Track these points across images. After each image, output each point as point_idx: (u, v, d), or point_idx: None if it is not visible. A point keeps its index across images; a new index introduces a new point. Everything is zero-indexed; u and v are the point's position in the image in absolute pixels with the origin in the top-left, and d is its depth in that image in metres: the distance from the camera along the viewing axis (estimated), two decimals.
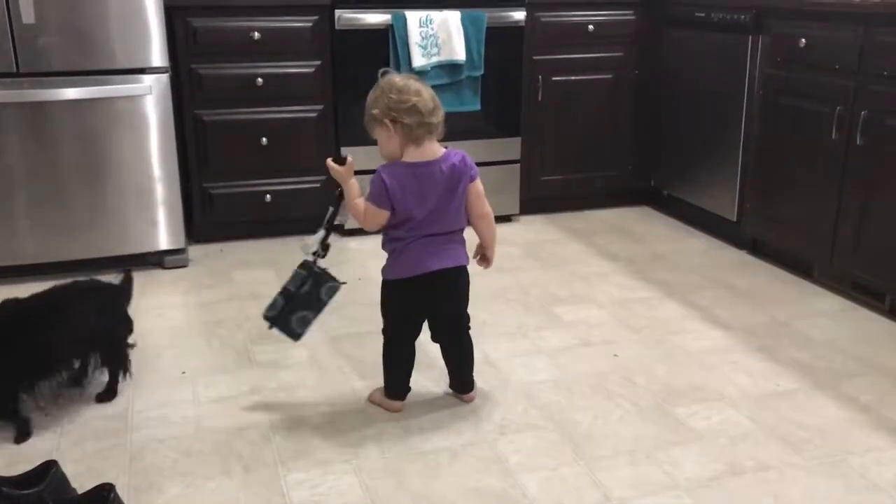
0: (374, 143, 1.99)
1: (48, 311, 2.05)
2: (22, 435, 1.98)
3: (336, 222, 2.09)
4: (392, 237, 1.98)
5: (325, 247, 2.06)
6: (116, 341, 2.18)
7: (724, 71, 3.28)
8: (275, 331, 2.08)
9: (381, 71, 1.98)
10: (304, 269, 2.05)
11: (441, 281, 1.98)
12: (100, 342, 2.14)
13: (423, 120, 1.90)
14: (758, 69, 3.10)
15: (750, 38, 3.11)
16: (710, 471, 1.84)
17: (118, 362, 2.18)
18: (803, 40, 2.83)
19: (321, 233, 2.06)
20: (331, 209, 2.05)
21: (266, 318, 2.08)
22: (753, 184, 3.19)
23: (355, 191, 1.99)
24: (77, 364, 2.17)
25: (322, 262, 2.07)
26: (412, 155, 1.93)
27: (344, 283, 2.07)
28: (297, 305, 2.05)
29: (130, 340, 2.22)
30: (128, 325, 2.21)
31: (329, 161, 2.01)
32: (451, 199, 1.95)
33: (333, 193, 2.06)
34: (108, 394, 2.17)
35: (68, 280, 2.18)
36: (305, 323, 2.08)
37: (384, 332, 2.09)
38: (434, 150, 1.95)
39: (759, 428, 2.02)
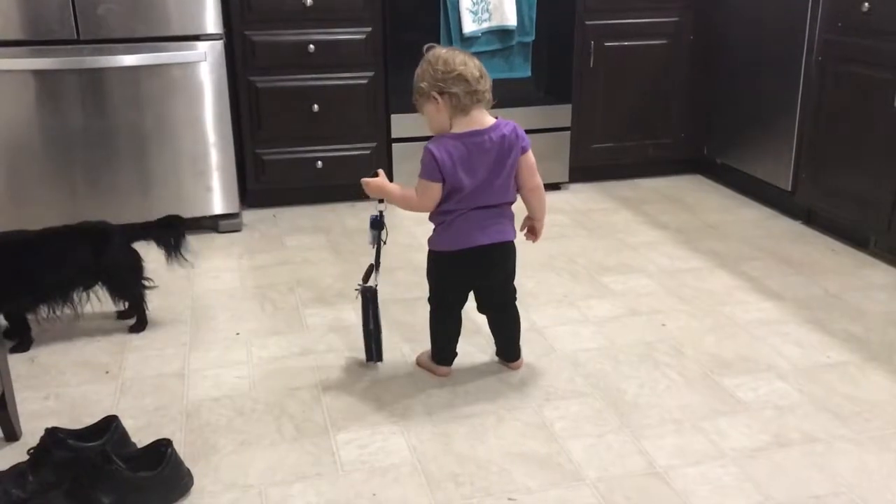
0: None
1: (42, 243, 2.26)
2: (20, 346, 2.29)
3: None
4: (441, 210, 1.96)
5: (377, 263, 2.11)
6: (116, 278, 2.34)
7: (781, 37, 3.20)
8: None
9: (426, 46, 1.97)
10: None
11: (487, 256, 1.99)
12: (93, 280, 2.31)
13: (470, 88, 1.89)
14: (817, 35, 3.02)
15: (810, 2, 3.02)
16: (756, 442, 1.83)
17: (126, 296, 2.39)
18: (866, 5, 2.74)
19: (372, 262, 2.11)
20: (372, 234, 2.07)
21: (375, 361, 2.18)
22: (810, 153, 3.12)
23: (397, 189, 2.01)
24: (76, 296, 2.31)
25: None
26: (461, 125, 1.92)
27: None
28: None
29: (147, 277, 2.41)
30: (124, 263, 2.35)
31: (364, 179, 2.02)
32: (500, 171, 1.94)
33: (376, 219, 2.05)
34: (138, 325, 2.41)
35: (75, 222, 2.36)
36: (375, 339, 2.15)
37: (430, 300, 2.11)
38: (483, 119, 1.93)
39: (808, 400, 2.00)
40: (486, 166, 1.92)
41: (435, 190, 1.93)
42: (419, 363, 2.18)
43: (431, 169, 1.91)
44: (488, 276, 2.05)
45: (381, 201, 2.03)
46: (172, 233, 2.41)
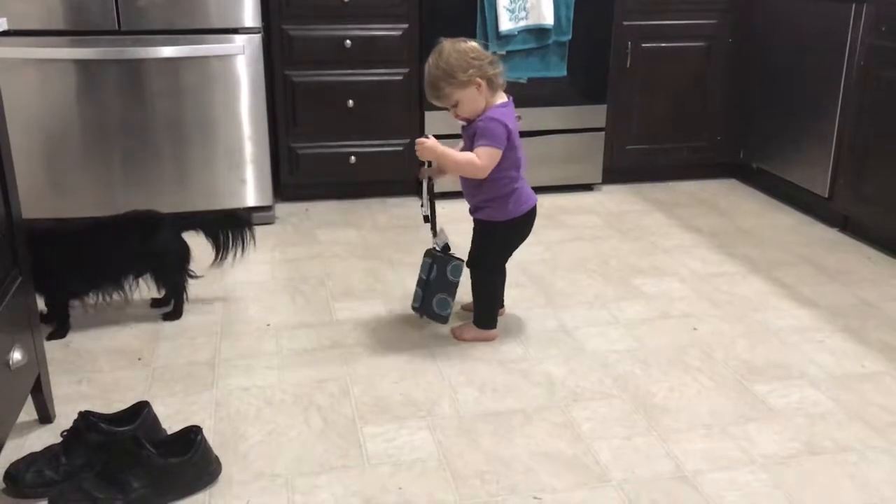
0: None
1: (95, 232, 2.32)
2: (58, 332, 2.31)
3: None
4: (511, 178, 2.13)
5: (434, 230, 2.25)
6: (162, 265, 2.39)
7: (823, 40, 3.15)
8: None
9: (438, 40, 2.12)
10: (427, 256, 2.24)
11: (535, 211, 2.24)
12: (142, 266, 2.36)
13: (499, 69, 2.11)
14: (860, 39, 2.97)
15: (854, 5, 2.97)
16: (787, 449, 1.81)
17: (168, 284, 2.43)
18: None
19: (429, 219, 2.26)
20: (426, 196, 2.23)
21: (413, 308, 2.31)
22: (848, 159, 3.07)
23: (454, 151, 2.12)
24: (126, 283, 2.37)
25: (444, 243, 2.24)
26: (499, 100, 2.11)
27: (462, 260, 2.22)
28: (433, 290, 2.24)
29: (191, 270, 2.45)
30: (173, 253, 2.40)
31: (419, 139, 2.14)
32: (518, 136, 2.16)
33: (422, 184, 2.22)
34: (173, 314, 2.44)
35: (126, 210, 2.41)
36: (445, 305, 2.25)
37: (490, 271, 2.25)
38: (503, 95, 2.14)
39: (841, 409, 1.97)
40: (518, 132, 2.14)
41: (498, 156, 2.08)
42: (465, 338, 2.27)
43: (503, 137, 2.07)
44: (531, 228, 2.25)
45: (429, 165, 2.17)
46: (223, 228, 2.45)
